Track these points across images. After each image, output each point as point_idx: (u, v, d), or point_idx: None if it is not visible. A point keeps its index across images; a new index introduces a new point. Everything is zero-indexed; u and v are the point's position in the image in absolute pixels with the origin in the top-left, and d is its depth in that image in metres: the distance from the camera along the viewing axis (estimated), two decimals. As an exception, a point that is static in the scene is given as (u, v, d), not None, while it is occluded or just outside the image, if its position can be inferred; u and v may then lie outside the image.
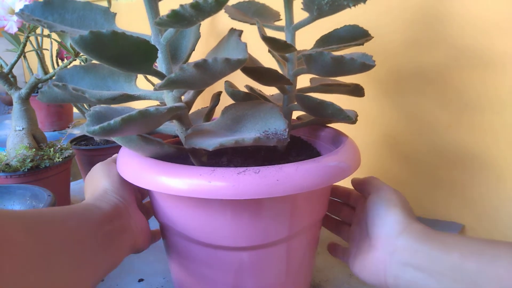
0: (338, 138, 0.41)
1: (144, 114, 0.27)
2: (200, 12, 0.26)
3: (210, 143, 0.29)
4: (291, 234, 0.34)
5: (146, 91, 0.35)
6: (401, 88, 0.57)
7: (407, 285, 0.31)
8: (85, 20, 0.34)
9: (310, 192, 0.31)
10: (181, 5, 0.25)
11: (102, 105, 0.32)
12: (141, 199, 0.43)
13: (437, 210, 0.58)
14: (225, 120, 0.35)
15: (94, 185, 0.38)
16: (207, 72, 0.27)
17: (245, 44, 0.29)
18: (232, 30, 0.33)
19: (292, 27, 0.39)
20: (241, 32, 0.33)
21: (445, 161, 0.56)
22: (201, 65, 0.26)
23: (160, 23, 0.28)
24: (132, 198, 0.37)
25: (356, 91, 0.42)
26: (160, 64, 0.33)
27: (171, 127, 0.37)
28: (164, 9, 0.32)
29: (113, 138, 0.34)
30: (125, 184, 0.37)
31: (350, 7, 0.34)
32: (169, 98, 0.34)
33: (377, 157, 0.62)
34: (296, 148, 0.44)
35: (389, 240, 0.33)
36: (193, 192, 0.29)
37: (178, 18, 0.27)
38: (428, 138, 0.56)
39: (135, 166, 0.33)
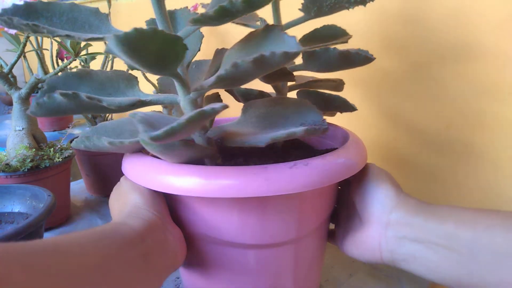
0: (334, 131, 0.43)
1: (203, 115, 0.26)
2: (249, 7, 0.26)
3: (259, 140, 0.29)
4: (310, 229, 0.35)
5: (157, 95, 0.35)
6: (397, 88, 0.57)
7: (403, 258, 0.31)
8: (76, 22, 0.32)
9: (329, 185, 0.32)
10: (231, 1, 0.26)
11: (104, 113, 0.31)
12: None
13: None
14: (248, 118, 0.35)
15: (121, 202, 0.34)
16: (263, 66, 0.27)
17: (295, 37, 0.28)
18: (271, 26, 0.32)
19: (282, 27, 0.39)
20: (282, 27, 0.32)
21: (445, 162, 0.56)
22: (258, 59, 0.26)
23: (198, 20, 0.28)
24: (166, 209, 0.34)
25: (339, 86, 0.45)
26: None
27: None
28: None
29: (148, 147, 0.30)
30: (157, 196, 0.34)
31: (348, 9, 0.35)
32: (186, 101, 0.33)
33: (376, 158, 0.62)
34: (289, 144, 0.45)
35: (382, 215, 0.32)
36: (251, 191, 0.29)
37: (224, 14, 0.27)
38: (428, 139, 0.56)
39: (182, 175, 0.31)
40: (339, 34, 0.41)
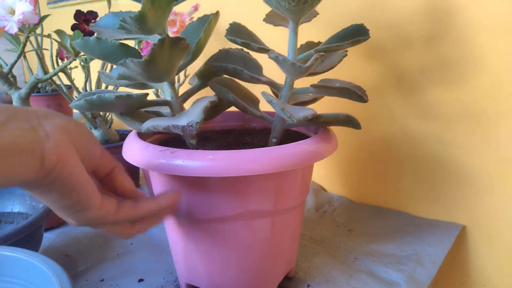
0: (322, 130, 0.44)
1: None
2: None
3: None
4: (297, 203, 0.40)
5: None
6: (396, 90, 0.57)
7: None
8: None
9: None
10: None
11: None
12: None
13: (438, 210, 0.58)
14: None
15: None
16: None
17: None
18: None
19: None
20: None
21: (445, 163, 0.56)
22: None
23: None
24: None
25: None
26: None
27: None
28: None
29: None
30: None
31: None
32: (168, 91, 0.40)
33: (375, 159, 0.62)
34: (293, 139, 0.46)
35: None
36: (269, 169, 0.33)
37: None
38: (428, 142, 0.56)
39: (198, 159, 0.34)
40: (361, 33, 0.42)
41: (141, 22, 0.33)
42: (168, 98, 0.40)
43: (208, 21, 0.41)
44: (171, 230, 0.41)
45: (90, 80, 0.71)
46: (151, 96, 0.44)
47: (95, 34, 0.38)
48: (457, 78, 0.52)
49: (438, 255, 0.49)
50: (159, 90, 0.59)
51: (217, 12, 0.43)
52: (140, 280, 0.46)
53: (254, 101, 0.46)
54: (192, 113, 0.36)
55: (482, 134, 0.52)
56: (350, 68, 0.60)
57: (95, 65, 0.74)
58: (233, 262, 0.39)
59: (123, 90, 0.40)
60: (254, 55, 0.43)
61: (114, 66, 0.68)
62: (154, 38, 0.37)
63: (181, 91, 0.50)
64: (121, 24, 0.34)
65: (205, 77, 0.43)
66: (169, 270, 0.48)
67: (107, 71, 0.71)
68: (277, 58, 0.36)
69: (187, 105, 0.42)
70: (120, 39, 0.37)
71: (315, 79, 0.45)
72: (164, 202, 0.33)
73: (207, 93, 0.43)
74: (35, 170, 0.25)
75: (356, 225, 0.58)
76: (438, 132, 0.55)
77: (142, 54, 0.64)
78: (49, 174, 0.26)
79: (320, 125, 0.43)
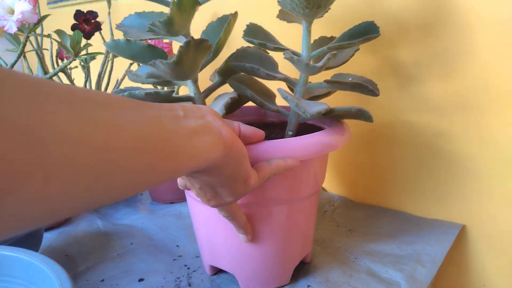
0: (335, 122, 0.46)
1: None
2: None
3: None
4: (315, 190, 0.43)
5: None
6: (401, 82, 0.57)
7: None
8: None
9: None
10: None
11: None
12: None
13: (438, 210, 0.58)
14: None
15: None
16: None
17: None
18: None
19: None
20: None
21: (445, 162, 0.56)
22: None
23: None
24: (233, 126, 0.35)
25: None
26: None
27: None
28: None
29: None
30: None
31: None
32: (191, 88, 0.44)
33: (375, 159, 0.62)
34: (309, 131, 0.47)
35: None
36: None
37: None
38: (427, 140, 0.56)
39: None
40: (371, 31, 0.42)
41: (169, 26, 0.36)
42: (192, 94, 0.44)
43: (227, 21, 0.43)
44: (195, 214, 0.44)
45: (90, 80, 0.71)
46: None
47: (122, 34, 0.41)
48: (455, 69, 0.52)
49: (438, 254, 0.49)
50: (179, 87, 0.63)
51: (236, 13, 0.44)
52: (140, 280, 0.46)
53: (271, 96, 0.47)
54: (214, 108, 0.39)
55: (484, 134, 0.52)
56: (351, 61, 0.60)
57: (95, 65, 0.74)
58: (253, 245, 0.41)
59: (149, 87, 0.44)
60: (270, 52, 0.45)
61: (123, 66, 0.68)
62: (179, 39, 0.40)
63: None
64: (150, 28, 0.36)
65: (225, 74, 0.45)
66: (169, 270, 0.48)
67: (107, 71, 0.71)
68: (292, 59, 0.38)
69: (208, 100, 0.45)
70: (146, 39, 0.41)
71: (328, 73, 0.47)
72: (290, 162, 0.37)
73: (227, 89, 0.45)
74: (223, 146, 0.29)
75: (356, 225, 0.58)
76: (439, 132, 0.55)
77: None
78: (230, 149, 0.30)
79: (333, 118, 0.44)
